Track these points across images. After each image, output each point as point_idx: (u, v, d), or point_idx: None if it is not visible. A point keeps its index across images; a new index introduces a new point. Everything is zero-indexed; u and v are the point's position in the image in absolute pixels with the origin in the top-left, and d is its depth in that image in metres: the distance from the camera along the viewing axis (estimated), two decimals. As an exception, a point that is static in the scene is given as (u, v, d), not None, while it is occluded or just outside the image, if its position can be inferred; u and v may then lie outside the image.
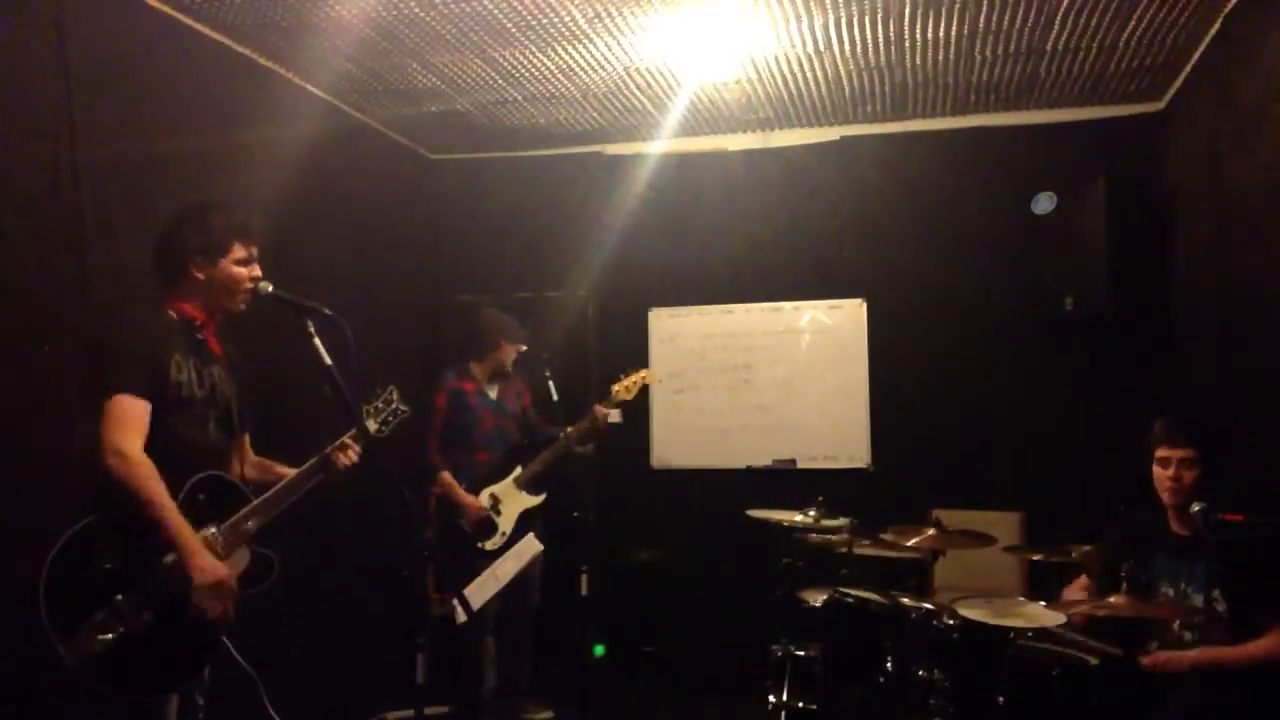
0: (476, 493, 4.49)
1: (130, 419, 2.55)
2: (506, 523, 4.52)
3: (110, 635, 2.46)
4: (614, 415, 4.99)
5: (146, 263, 2.84)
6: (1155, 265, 4.95)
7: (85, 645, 2.42)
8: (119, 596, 2.49)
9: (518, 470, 4.60)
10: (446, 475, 4.46)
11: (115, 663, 2.46)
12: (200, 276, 2.77)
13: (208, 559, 2.60)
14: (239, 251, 2.80)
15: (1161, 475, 3.17)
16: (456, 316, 5.80)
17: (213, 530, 2.69)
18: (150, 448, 2.58)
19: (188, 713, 2.75)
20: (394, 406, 3.05)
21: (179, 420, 2.69)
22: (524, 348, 4.68)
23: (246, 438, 2.97)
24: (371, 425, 2.98)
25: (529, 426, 4.76)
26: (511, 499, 4.56)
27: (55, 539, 2.50)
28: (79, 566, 2.47)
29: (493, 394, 4.65)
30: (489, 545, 4.42)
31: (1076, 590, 3.51)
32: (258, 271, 2.84)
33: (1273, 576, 2.96)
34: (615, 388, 4.67)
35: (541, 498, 4.65)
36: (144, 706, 2.57)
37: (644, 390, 4.94)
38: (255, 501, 2.79)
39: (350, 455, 2.88)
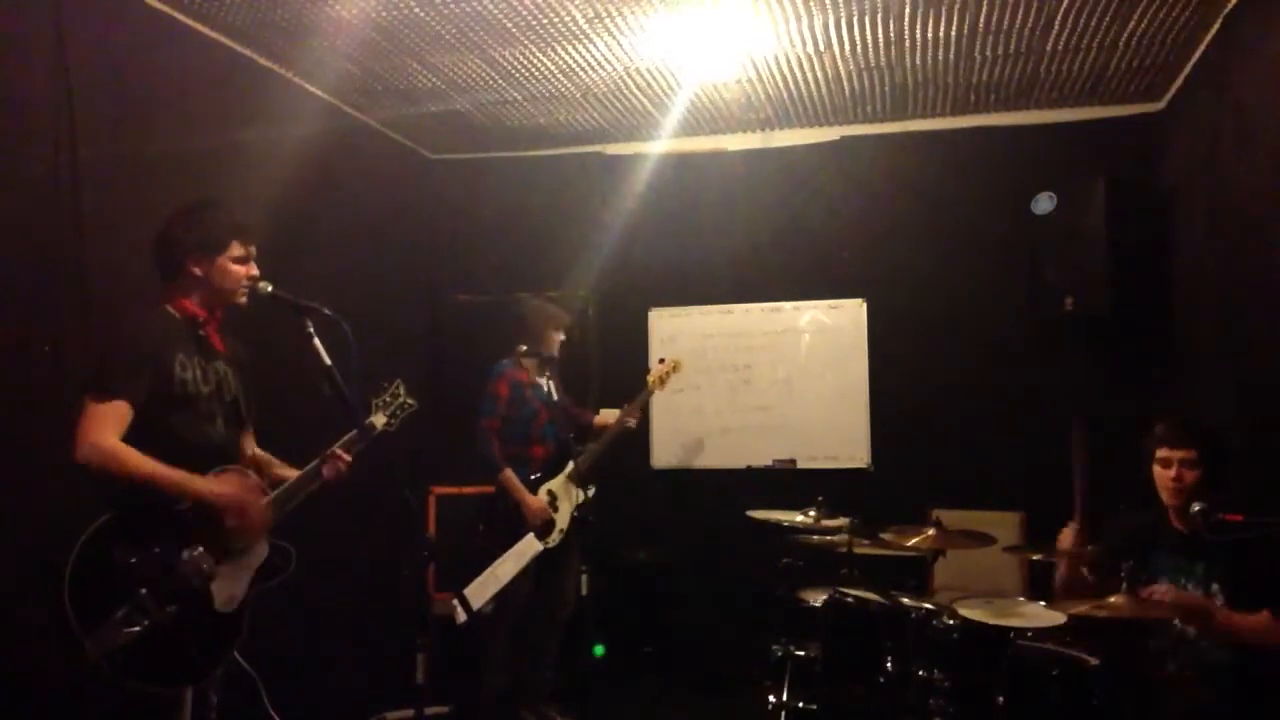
0: (534, 489, 4.43)
1: (109, 418, 2.55)
2: (563, 519, 4.49)
3: (136, 629, 2.48)
4: (613, 414, 5.01)
5: (146, 262, 2.84)
6: (1155, 265, 4.95)
7: (111, 640, 2.44)
8: (143, 590, 2.51)
9: (570, 465, 4.55)
10: (509, 474, 4.38)
11: (141, 656, 2.49)
12: (198, 273, 2.78)
13: (215, 483, 2.64)
14: (236, 249, 2.82)
15: (1163, 476, 3.18)
16: (458, 316, 5.81)
17: (233, 525, 2.71)
18: (158, 446, 2.59)
19: (201, 708, 2.77)
20: (401, 400, 3.05)
21: (186, 417, 2.70)
22: (564, 336, 4.63)
23: (252, 433, 2.98)
24: (380, 420, 3.00)
25: (570, 420, 4.72)
26: (565, 495, 4.53)
27: (61, 537, 2.51)
28: (102, 562, 2.49)
29: (544, 386, 4.61)
30: (549, 543, 4.35)
31: (1067, 537, 3.49)
32: (255, 271, 2.85)
33: (1272, 576, 2.96)
34: (650, 378, 4.82)
35: (592, 491, 4.56)
36: (164, 699, 2.59)
37: (643, 390, 4.96)
38: (273, 493, 2.82)
39: (340, 464, 2.89)
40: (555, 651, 4.62)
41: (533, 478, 4.46)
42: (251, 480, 2.78)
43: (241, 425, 2.93)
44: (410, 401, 3.06)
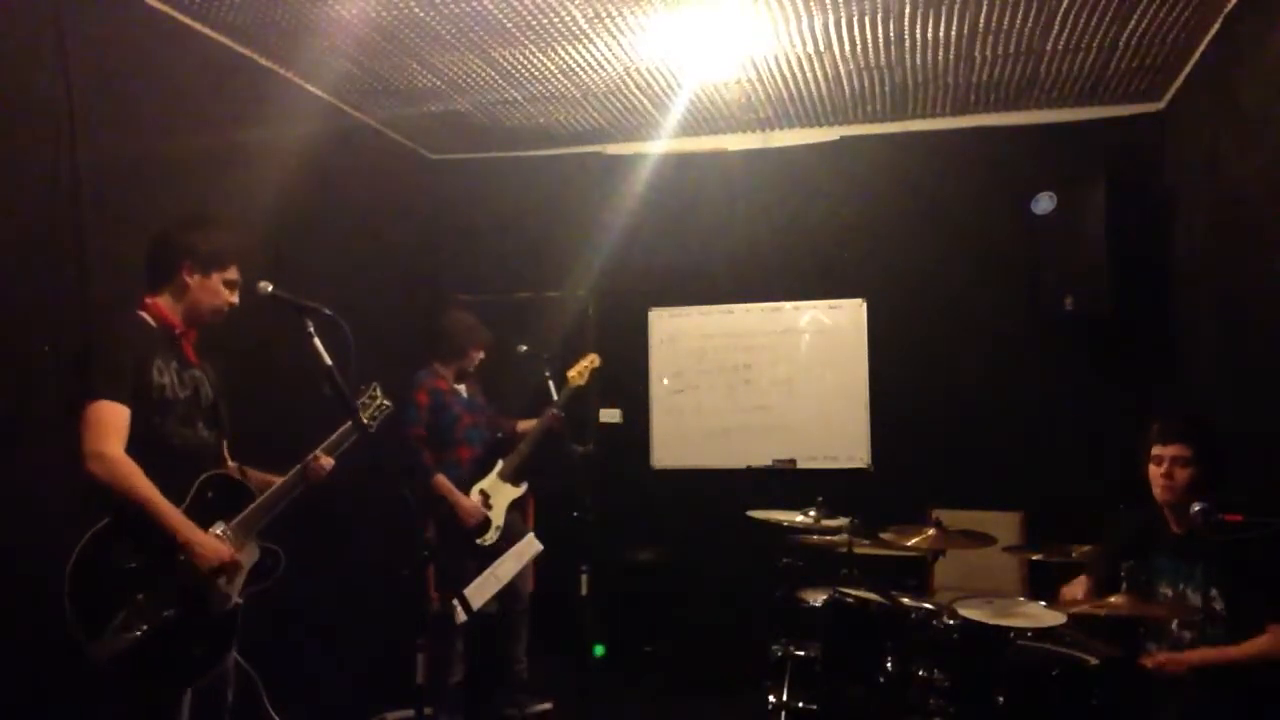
0: (465, 490, 4.53)
1: (110, 423, 2.56)
2: (498, 515, 4.58)
3: (136, 632, 2.49)
4: (614, 414, 5.02)
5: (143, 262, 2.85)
6: (1155, 265, 4.96)
7: (112, 643, 2.46)
8: (140, 595, 2.52)
9: (499, 464, 4.67)
10: (443, 479, 4.47)
11: (141, 659, 2.50)
12: (189, 281, 2.79)
13: (208, 541, 2.64)
14: (232, 273, 2.85)
15: (1155, 473, 3.18)
16: (433, 315, 5.81)
17: (222, 527, 2.74)
18: (143, 450, 2.60)
19: (216, 709, 2.78)
20: (379, 402, 3.09)
21: (167, 421, 2.71)
22: (483, 353, 4.72)
23: (226, 441, 2.99)
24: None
25: (492, 421, 4.82)
26: (498, 492, 4.63)
27: (62, 539, 2.52)
28: (100, 566, 2.50)
29: (464, 392, 4.71)
30: (486, 540, 4.48)
31: (1077, 587, 3.51)
32: (236, 300, 2.88)
33: (1271, 576, 2.96)
34: (569, 373, 4.83)
35: (524, 488, 4.72)
36: (163, 701, 2.61)
37: (644, 390, 4.96)
38: (260, 499, 2.84)
39: (324, 465, 2.91)
40: (524, 640, 4.68)
41: (472, 473, 4.57)
42: (237, 554, 2.74)
43: (220, 429, 2.94)
44: (386, 404, 3.11)
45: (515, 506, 4.68)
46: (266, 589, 2.87)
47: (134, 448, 2.58)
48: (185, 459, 2.72)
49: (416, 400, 4.54)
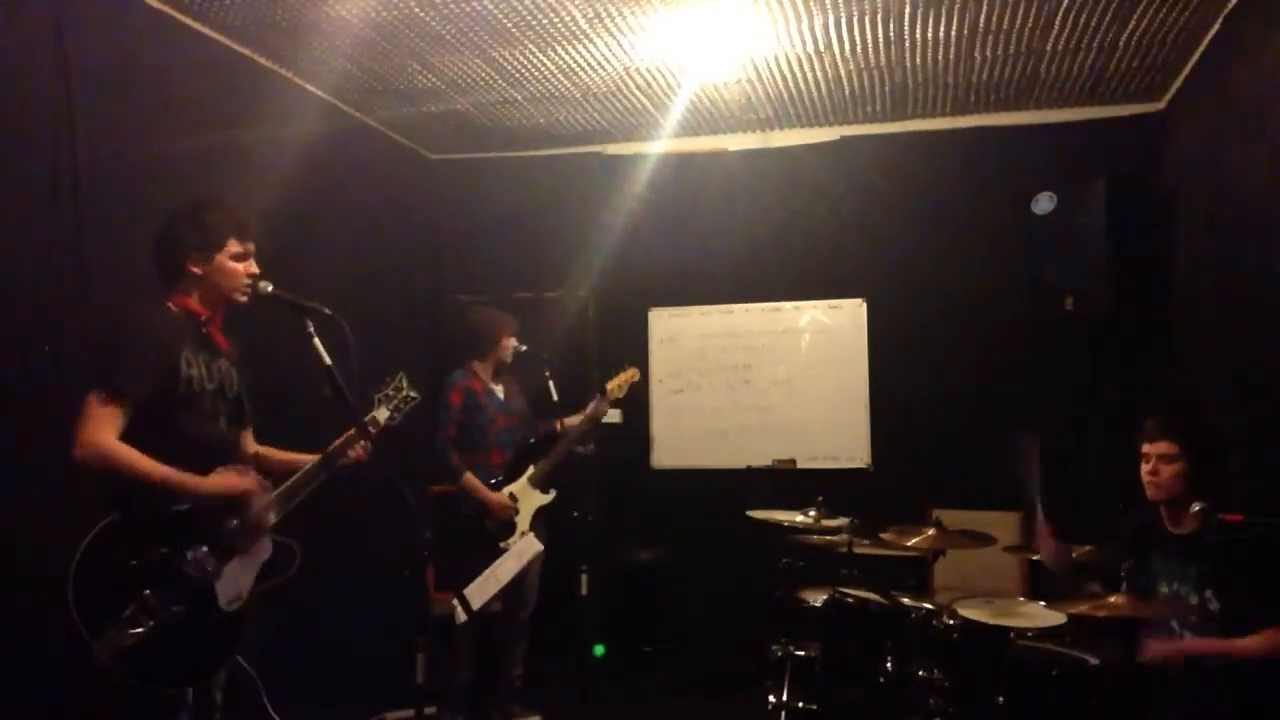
0: (496, 491, 4.51)
1: (105, 416, 2.55)
2: (524, 521, 4.54)
3: (141, 629, 2.48)
4: (613, 415, 5.00)
5: (147, 262, 2.84)
6: (1155, 265, 4.96)
7: (117, 640, 2.44)
8: (147, 591, 2.51)
9: (531, 469, 4.62)
10: (470, 476, 4.46)
11: (147, 656, 2.49)
12: (198, 272, 2.78)
13: (215, 479, 2.64)
14: (234, 246, 2.80)
15: (1143, 471, 3.17)
16: (456, 317, 5.81)
17: (236, 522, 2.71)
18: (164, 444, 2.58)
19: (206, 708, 2.77)
20: (404, 394, 3.04)
21: (191, 416, 2.70)
22: (516, 341, 4.67)
23: (251, 430, 2.99)
24: (384, 413, 2.99)
25: (530, 425, 4.78)
26: (527, 497, 4.59)
27: (64, 538, 2.51)
28: (106, 564, 2.49)
29: (499, 393, 4.68)
30: (507, 545, 4.41)
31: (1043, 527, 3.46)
32: (255, 268, 2.83)
33: (1267, 576, 2.95)
34: (609, 385, 4.74)
35: (552, 495, 4.66)
36: (166, 699, 2.60)
37: (644, 390, 4.95)
38: (274, 492, 2.81)
39: (359, 450, 2.89)
40: (523, 651, 4.65)
41: (493, 481, 4.53)
42: (250, 474, 2.76)
43: (243, 423, 2.93)
44: (413, 394, 3.05)
45: (543, 514, 4.60)
46: (277, 586, 2.85)
47: (153, 442, 2.57)
48: (203, 454, 2.69)
49: (449, 401, 4.52)
